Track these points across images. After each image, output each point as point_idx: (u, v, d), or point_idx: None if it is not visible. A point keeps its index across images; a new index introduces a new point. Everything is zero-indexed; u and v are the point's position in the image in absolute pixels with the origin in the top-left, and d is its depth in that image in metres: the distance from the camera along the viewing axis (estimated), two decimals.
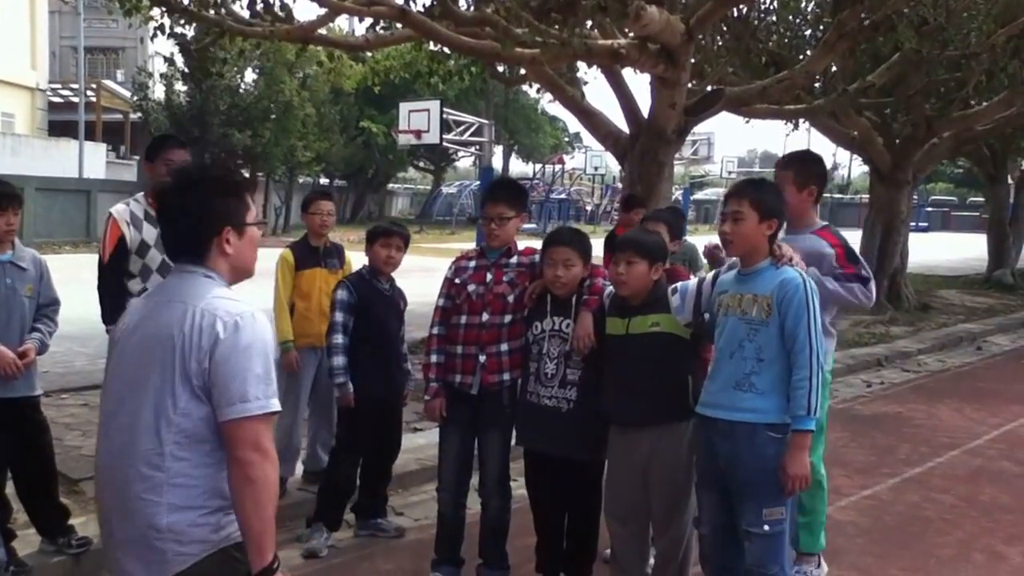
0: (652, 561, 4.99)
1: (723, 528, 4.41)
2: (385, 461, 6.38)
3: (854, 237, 19.56)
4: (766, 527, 4.19)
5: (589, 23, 9.86)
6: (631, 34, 9.32)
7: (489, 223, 5.22)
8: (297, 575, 5.62)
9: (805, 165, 5.21)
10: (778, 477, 4.12)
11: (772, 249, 4.31)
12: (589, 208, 58.98)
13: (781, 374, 4.15)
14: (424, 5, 9.76)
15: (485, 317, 5.15)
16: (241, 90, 36.63)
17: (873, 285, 5.09)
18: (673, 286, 4.70)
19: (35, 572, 5.33)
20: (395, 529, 6.35)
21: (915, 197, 61.17)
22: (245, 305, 2.91)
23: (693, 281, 4.69)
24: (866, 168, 20.95)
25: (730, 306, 4.34)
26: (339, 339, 5.93)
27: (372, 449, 6.24)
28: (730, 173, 66.61)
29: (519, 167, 77.20)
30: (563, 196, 53.69)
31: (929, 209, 68.37)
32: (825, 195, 47.97)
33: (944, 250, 39.68)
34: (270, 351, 2.91)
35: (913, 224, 56.74)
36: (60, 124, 40.45)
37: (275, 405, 2.86)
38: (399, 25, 10.03)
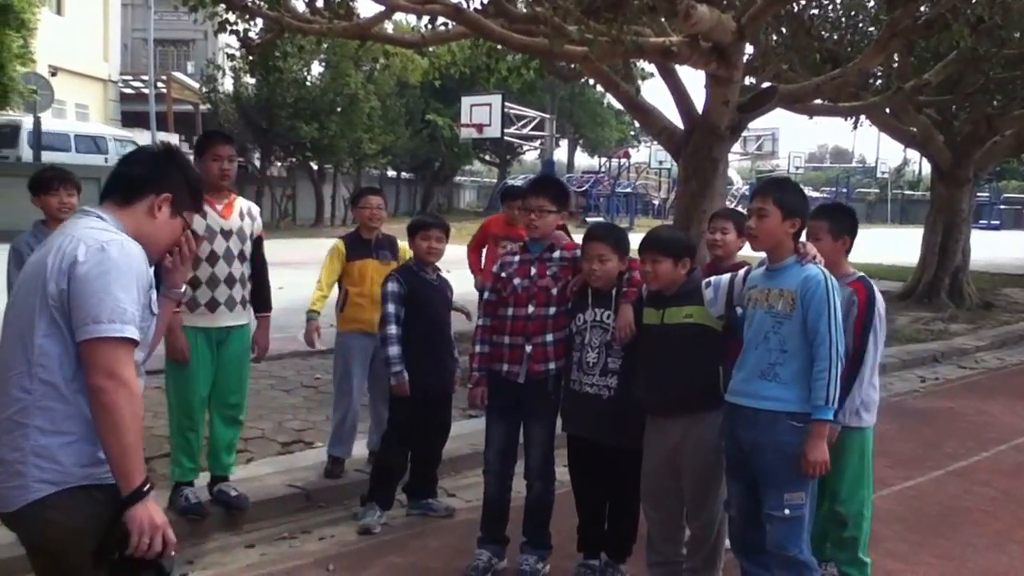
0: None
1: (749, 512, 4.61)
2: (434, 446, 6.59)
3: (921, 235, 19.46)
4: (786, 511, 4.39)
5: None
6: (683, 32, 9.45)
7: (529, 214, 5.46)
8: (351, 549, 5.92)
9: (839, 215, 5.30)
10: (799, 463, 4.32)
11: (797, 247, 4.51)
12: (656, 202, 58.84)
13: (804, 365, 4.35)
14: (481, 3, 9.96)
15: (531, 309, 5.35)
16: (307, 83, 36.98)
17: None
18: (707, 280, 4.90)
19: None
20: (445, 509, 6.57)
21: (987, 195, 60.43)
22: (117, 234, 2.94)
23: (726, 276, 4.87)
24: None
25: (758, 300, 4.54)
26: (392, 329, 6.12)
27: (421, 434, 6.46)
28: (797, 168, 66.07)
29: (584, 161, 77.13)
30: (629, 190, 53.63)
31: (1002, 207, 67.20)
32: (895, 191, 47.11)
33: (1013, 248, 39.05)
34: (136, 280, 2.90)
35: (984, 222, 56.35)
36: (132, 115, 41.05)
37: (131, 332, 2.84)
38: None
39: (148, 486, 2.88)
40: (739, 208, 26.83)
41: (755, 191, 4.70)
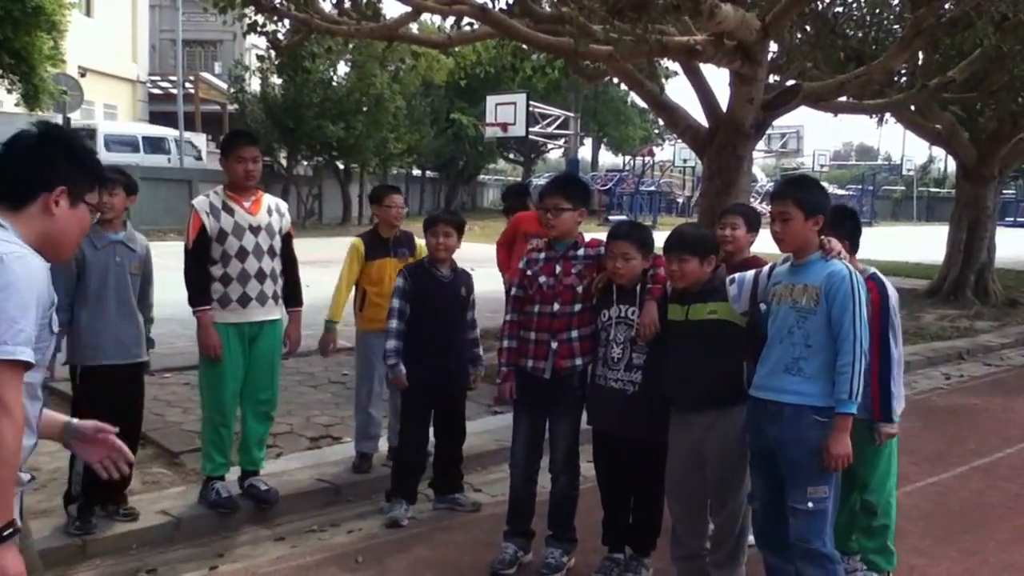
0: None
1: (773, 505, 4.66)
2: (451, 445, 6.62)
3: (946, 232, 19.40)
4: (810, 504, 4.44)
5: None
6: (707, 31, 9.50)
7: (545, 213, 5.58)
8: (379, 542, 6.00)
9: (839, 219, 5.30)
10: (822, 457, 4.37)
11: (821, 242, 4.56)
12: (680, 200, 58.80)
13: (827, 360, 4.39)
14: (507, 3, 10.04)
15: (556, 307, 5.42)
16: (334, 83, 37.15)
17: None
18: (731, 276, 4.95)
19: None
20: (472, 504, 6.64)
21: (1012, 192, 59.88)
22: (17, 247, 2.66)
23: (751, 272, 4.92)
24: None
25: (783, 295, 4.58)
26: (393, 324, 6.23)
27: (437, 432, 6.53)
28: (822, 166, 65.79)
29: (609, 159, 77.09)
30: (653, 188, 53.63)
31: None
32: (921, 189, 46.79)
33: None
34: (33, 297, 2.62)
35: (1010, 219, 55.90)
36: (160, 115, 41.44)
37: (21, 353, 2.55)
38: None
39: (10, 530, 2.56)
40: (763, 205, 26.79)
41: (773, 195, 4.73)
